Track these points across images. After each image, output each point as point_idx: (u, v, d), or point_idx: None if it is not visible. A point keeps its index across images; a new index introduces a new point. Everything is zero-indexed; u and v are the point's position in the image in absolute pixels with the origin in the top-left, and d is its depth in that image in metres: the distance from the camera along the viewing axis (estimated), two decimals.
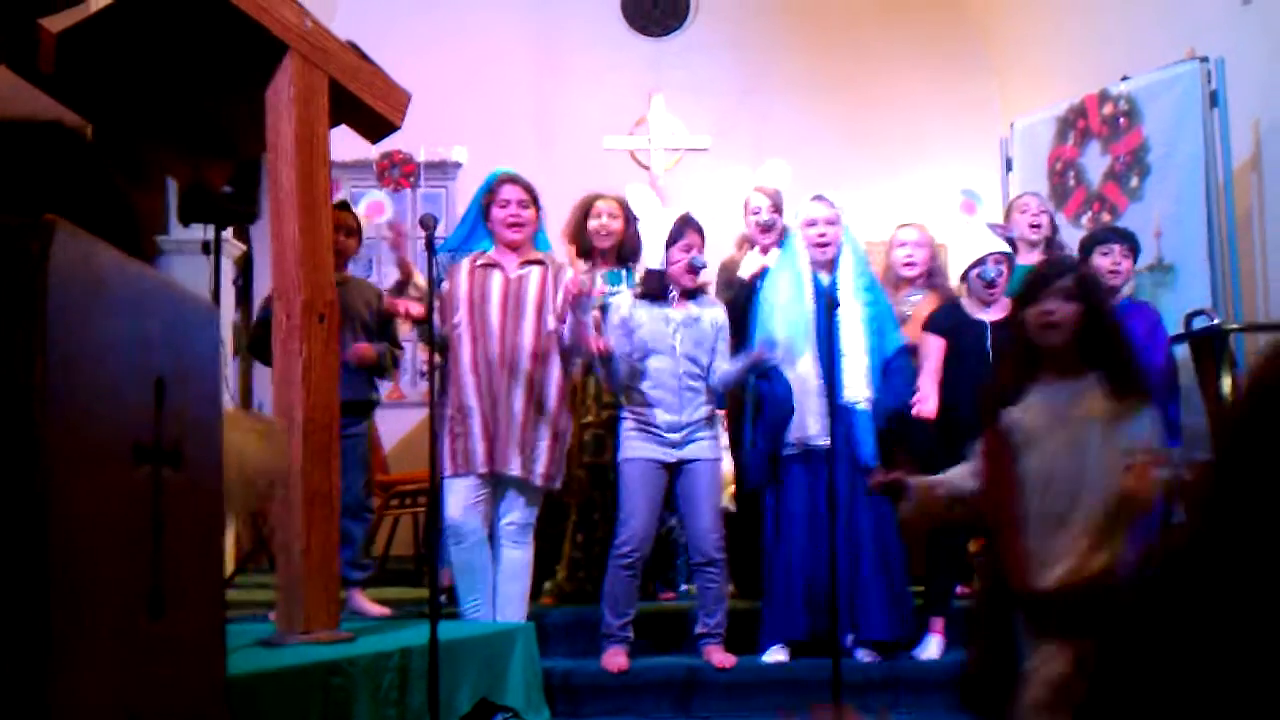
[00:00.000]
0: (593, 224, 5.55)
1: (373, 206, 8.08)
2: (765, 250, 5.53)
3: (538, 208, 5.04)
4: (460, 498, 4.78)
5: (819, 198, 5.15)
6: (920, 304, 5.50)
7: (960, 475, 3.30)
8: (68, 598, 0.77)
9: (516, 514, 4.83)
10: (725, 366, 4.93)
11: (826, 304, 4.69)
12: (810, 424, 4.90)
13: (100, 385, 0.82)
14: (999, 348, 5.05)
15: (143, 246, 1.23)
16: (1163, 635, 0.67)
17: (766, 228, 5.52)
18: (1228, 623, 0.64)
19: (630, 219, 5.52)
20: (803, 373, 4.96)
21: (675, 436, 4.85)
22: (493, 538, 4.86)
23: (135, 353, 0.88)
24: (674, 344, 4.88)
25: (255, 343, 5.21)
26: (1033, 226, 5.77)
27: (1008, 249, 5.27)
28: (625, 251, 5.59)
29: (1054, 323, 3.13)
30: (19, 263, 0.73)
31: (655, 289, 4.98)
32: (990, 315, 5.11)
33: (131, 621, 0.87)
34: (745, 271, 5.42)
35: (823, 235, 5.06)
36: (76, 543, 0.79)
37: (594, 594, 5.41)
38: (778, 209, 5.61)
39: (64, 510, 0.77)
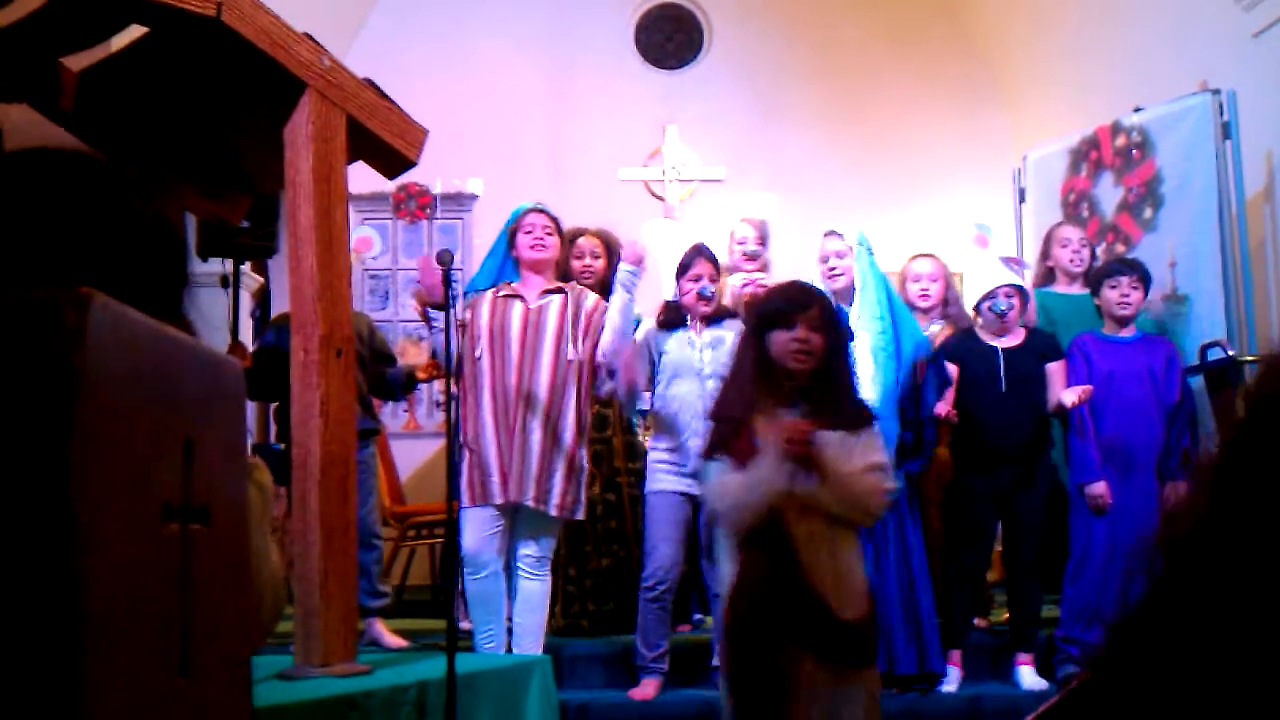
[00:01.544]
0: (575, 265, 5.55)
1: (361, 241, 8.16)
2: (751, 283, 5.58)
3: (562, 238, 5.09)
4: (476, 528, 4.80)
5: (831, 233, 5.18)
6: (936, 335, 5.50)
7: None
8: (100, 657, 0.79)
9: (533, 546, 4.83)
10: None
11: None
12: None
13: (132, 449, 0.85)
14: (1011, 373, 5.09)
15: (183, 258, 1.25)
16: (1176, 628, 0.67)
17: (752, 257, 5.57)
18: (1237, 619, 0.65)
19: (613, 255, 5.54)
20: None
21: (703, 465, 4.84)
22: (509, 569, 4.88)
23: (165, 415, 0.90)
24: (700, 367, 4.90)
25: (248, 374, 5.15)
26: (1074, 260, 5.79)
27: (1019, 282, 5.30)
28: (608, 289, 5.61)
29: (809, 350, 3.20)
30: (55, 336, 0.76)
31: (673, 319, 5.02)
32: (1003, 342, 5.16)
33: (161, 678, 0.89)
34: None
35: (833, 269, 5.09)
36: (108, 603, 0.81)
37: (590, 629, 5.47)
38: (763, 239, 5.66)
39: (96, 572, 0.79)
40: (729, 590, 3.22)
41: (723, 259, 5.73)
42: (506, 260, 5.15)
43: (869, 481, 3.17)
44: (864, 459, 3.19)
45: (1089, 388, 5.00)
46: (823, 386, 3.23)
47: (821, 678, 3.08)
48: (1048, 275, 6.00)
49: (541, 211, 5.05)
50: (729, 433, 3.25)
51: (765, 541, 3.13)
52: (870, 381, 4.95)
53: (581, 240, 5.59)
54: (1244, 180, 6.05)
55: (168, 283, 1.20)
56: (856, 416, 3.25)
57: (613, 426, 5.64)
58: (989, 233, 6.09)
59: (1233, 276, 6.01)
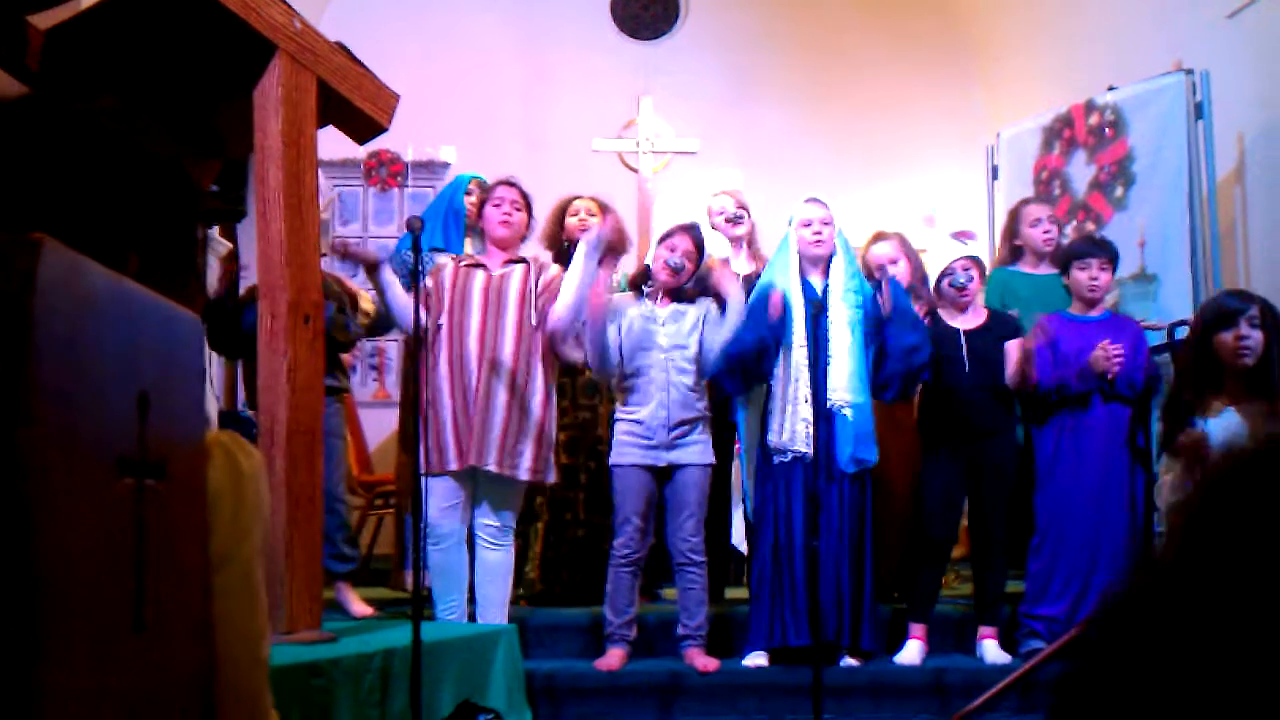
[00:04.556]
0: (571, 221, 5.56)
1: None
2: (736, 244, 5.62)
3: (530, 214, 5.07)
4: (437, 498, 4.78)
5: (813, 199, 5.17)
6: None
7: None
8: (54, 610, 0.78)
9: (494, 516, 4.82)
10: (717, 337, 4.90)
11: (814, 309, 4.68)
12: (796, 430, 4.91)
13: (85, 400, 0.83)
14: (973, 354, 5.12)
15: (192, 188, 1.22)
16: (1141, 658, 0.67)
17: (734, 220, 5.62)
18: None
19: (608, 218, 5.55)
20: (790, 378, 4.97)
21: (666, 437, 4.85)
22: (471, 540, 4.87)
23: (120, 367, 0.89)
24: (659, 340, 4.90)
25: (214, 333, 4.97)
26: (1045, 239, 5.76)
27: (974, 254, 5.35)
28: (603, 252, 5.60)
29: (1250, 348, 3.55)
30: (6, 281, 0.74)
31: (639, 281, 5.09)
32: (964, 324, 5.21)
33: (115, 633, 0.88)
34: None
35: (818, 234, 5.07)
36: (62, 558, 0.79)
37: (564, 595, 5.48)
38: (743, 206, 5.72)
39: (49, 527, 0.77)
40: None
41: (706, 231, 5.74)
42: (451, 229, 5.19)
43: None
44: None
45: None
46: (1266, 378, 3.55)
47: None
48: (1014, 253, 5.95)
49: (512, 185, 5.04)
50: (1176, 431, 3.64)
51: None
52: (848, 354, 4.95)
53: (577, 202, 5.65)
54: (1215, 160, 6.08)
55: (180, 220, 1.18)
56: None
57: (601, 394, 5.62)
58: (935, 212, 6.09)
59: (1202, 256, 6.03)
